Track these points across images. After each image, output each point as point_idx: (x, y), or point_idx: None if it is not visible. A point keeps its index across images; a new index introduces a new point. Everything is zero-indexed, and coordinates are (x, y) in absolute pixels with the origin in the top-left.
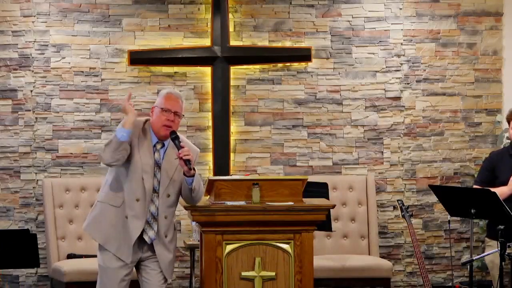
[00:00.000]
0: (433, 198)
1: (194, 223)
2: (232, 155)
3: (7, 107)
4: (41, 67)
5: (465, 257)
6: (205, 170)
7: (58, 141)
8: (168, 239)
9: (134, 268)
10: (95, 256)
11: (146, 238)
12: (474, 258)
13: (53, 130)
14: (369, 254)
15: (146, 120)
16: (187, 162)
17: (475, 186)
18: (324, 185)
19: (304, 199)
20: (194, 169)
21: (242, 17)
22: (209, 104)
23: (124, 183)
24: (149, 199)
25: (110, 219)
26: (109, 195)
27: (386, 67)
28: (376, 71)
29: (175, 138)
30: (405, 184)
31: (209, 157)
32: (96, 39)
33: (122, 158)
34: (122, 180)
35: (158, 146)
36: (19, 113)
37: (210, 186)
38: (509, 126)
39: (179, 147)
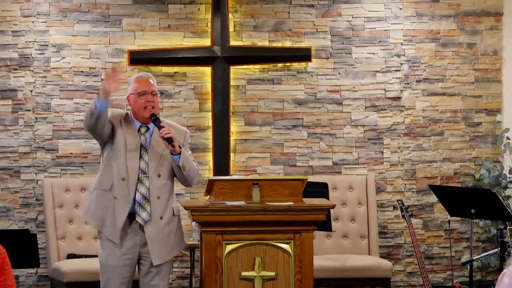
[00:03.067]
0: (433, 198)
1: (194, 223)
2: (232, 155)
3: (7, 107)
4: (41, 67)
5: (465, 257)
6: (205, 170)
7: (58, 141)
8: (164, 221)
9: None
10: (95, 256)
11: (139, 220)
12: (474, 258)
13: (53, 130)
14: (369, 254)
15: (127, 113)
16: (169, 140)
17: None
18: (324, 185)
19: (304, 199)
20: (180, 147)
21: (242, 17)
22: (209, 104)
23: (112, 165)
24: (134, 178)
25: (103, 203)
26: (100, 180)
27: (386, 67)
28: (376, 71)
29: (155, 119)
30: (405, 184)
31: (209, 157)
32: (96, 39)
33: (99, 130)
34: (111, 164)
35: (143, 130)
36: (19, 113)
37: (210, 186)
38: None
39: (159, 127)
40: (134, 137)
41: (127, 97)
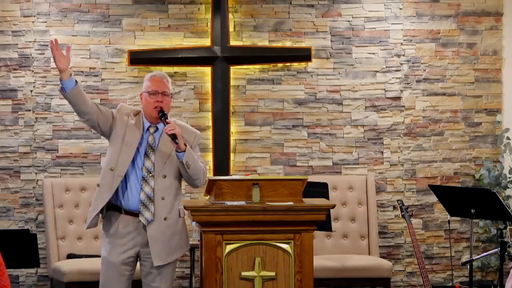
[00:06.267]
0: (433, 198)
1: (194, 223)
2: (232, 155)
3: (7, 107)
4: (41, 67)
5: (465, 257)
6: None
7: (58, 141)
8: (168, 223)
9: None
10: (95, 256)
11: (142, 219)
12: (474, 258)
13: (53, 130)
14: (369, 254)
15: (138, 112)
16: (173, 136)
17: None
18: (324, 185)
19: (304, 199)
20: (186, 145)
21: (242, 17)
22: (209, 104)
23: (107, 156)
24: (122, 171)
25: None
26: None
27: (386, 67)
28: (376, 71)
29: (162, 115)
30: (405, 184)
31: (209, 157)
32: (96, 39)
33: (83, 112)
34: (107, 155)
35: (152, 130)
36: (19, 113)
37: (210, 186)
38: None
39: (165, 123)
40: (135, 132)
41: (140, 94)
